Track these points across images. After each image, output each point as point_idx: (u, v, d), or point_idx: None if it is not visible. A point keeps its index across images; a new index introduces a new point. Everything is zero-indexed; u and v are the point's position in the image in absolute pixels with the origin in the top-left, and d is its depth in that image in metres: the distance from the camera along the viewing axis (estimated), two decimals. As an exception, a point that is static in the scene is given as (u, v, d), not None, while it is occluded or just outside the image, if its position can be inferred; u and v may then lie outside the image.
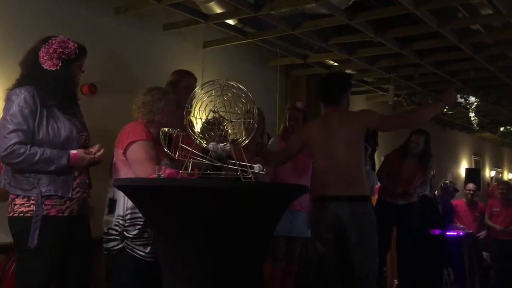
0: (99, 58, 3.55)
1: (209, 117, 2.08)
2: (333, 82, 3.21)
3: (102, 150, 2.39)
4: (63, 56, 2.32)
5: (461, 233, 5.51)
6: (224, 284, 1.93)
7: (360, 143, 3.04)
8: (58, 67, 2.31)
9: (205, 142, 2.08)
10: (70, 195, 2.31)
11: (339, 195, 2.91)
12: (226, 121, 2.04)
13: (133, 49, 4.02)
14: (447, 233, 5.47)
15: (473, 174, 9.24)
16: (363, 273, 2.92)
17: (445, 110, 3.15)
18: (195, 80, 3.27)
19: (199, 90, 2.07)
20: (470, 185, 6.87)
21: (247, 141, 2.05)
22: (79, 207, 2.38)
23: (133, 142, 2.44)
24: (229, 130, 2.08)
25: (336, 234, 2.93)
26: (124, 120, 2.67)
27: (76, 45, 2.37)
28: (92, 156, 2.35)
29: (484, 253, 6.75)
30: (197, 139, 2.05)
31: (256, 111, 2.05)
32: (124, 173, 2.44)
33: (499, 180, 9.38)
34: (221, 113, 2.03)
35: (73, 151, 2.29)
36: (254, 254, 2.04)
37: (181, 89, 3.08)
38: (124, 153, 2.47)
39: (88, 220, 2.51)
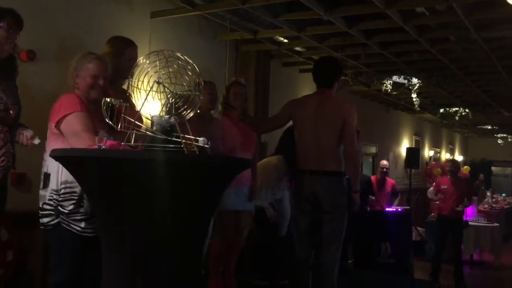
0: (40, 25, 3.39)
1: (153, 89, 2.03)
2: (330, 66, 3.52)
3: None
4: None
5: (399, 209, 5.75)
6: (163, 258, 1.92)
7: (339, 130, 3.32)
8: None
9: (149, 114, 2.04)
10: None
11: (318, 170, 3.28)
12: (171, 93, 2.01)
13: (76, 16, 3.85)
14: (386, 210, 5.70)
15: (413, 153, 9.58)
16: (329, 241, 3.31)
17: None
18: (135, 47, 3.09)
19: (144, 60, 2.01)
20: (384, 162, 7.04)
21: (191, 114, 2.02)
22: (3, 175, 2.39)
23: (67, 114, 2.33)
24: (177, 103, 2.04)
25: (312, 204, 3.31)
26: (64, 88, 2.56)
27: None
28: None
29: (419, 228, 7.07)
30: (140, 111, 2.01)
31: (202, 83, 2.03)
32: (57, 146, 2.30)
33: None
34: (165, 85, 1.99)
35: None
36: (196, 227, 2.05)
37: (123, 61, 2.90)
38: (57, 126, 2.36)
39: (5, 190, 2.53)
